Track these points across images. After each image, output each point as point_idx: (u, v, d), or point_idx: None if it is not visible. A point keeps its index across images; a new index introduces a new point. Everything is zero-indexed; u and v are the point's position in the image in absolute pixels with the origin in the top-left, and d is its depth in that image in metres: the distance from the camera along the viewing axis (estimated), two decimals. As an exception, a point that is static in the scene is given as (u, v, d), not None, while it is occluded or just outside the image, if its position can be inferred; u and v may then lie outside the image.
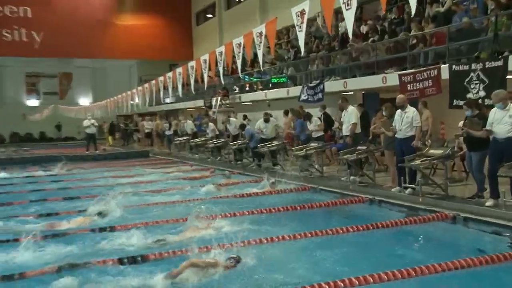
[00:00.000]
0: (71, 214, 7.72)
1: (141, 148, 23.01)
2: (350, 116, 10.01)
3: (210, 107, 20.45)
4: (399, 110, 8.49)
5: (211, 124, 17.32)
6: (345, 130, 10.19)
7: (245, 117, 18.63)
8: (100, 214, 7.19)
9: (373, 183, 9.35)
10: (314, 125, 11.94)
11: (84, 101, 38.11)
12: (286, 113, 15.34)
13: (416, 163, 7.89)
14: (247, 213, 7.31)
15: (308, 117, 12.10)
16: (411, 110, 8.38)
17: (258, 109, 19.42)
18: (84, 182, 12.00)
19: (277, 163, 12.71)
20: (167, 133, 21.25)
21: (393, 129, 8.55)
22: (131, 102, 26.57)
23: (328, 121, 13.23)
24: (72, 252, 5.48)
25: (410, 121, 8.26)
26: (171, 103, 26.68)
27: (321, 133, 12.04)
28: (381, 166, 11.01)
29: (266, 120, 13.26)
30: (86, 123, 20.64)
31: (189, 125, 19.48)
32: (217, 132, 17.48)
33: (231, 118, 15.95)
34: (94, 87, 38.30)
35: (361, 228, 6.22)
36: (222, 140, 16.01)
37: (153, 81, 22.34)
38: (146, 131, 24.34)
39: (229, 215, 7.09)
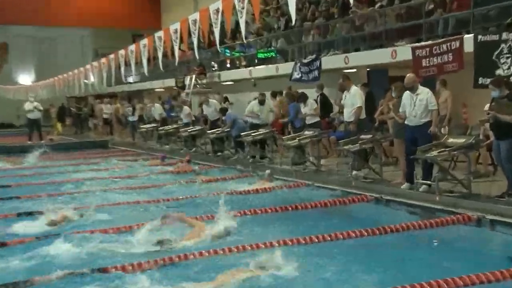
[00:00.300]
0: (8, 217, 7.61)
1: (98, 137, 22.79)
2: (354, 98, 9.98)
3: (182, 87, 20.27)
4: (407, 92, 8.46)
5: (186, 108, 17.14)
6: (347, 115, 10.18)
7: (225, 99, 18.50)
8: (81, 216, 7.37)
9: (379, 178, 9.35)
10: (310, 109, 11.88)
11: (25, 78, 37.41)
12: (273, 95, 15.24)
13: (432, 155, 7.87)
14: (228, 214, 7.14)
15: (304, 98, 12.02)
16: (424, 92, 8.37)
17: (241, 90, 19.34)
18: (28, 178, 11.84)
19: (265, 156, 12.65)
20: (130, 119, 21.05)
21: (401, 115, 8.52)
22: (85, 81, 26.23)
23: (326, 104, 13.19)
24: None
25: (425, 104, 8.25)
26: (134, 82, 26.44)
27: (317, 118, 12.00)
28: (390, 159, 11.03)
29: (262, 102, 13.16)
30: (28, 106, 20.32)
31: (157, 110, 19.33)
32: (193, 118, 17.35)
33: (210, 100, 15.82)
34: (37, 61, 37.55)
35: (365, 233, 6.21)
36: (197, 127, 15.88)
37: (112, 55, 22.03)
38: (104, 116, 24.12)
39: (208, 218, 7.06)
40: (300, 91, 13.14)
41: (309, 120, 11.89)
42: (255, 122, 13.10)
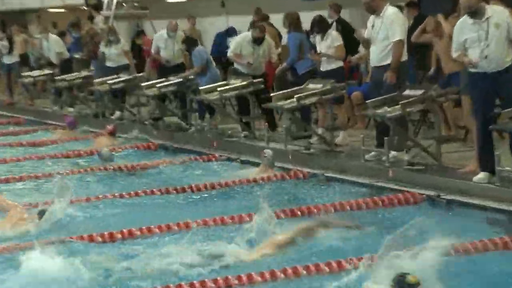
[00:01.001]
0: None
1: None
2: (389, 27, 10.00)
3: (98, 7, 20.30)
4: (466, 19, 8.49)
5: (123, 42, 16.84)
6: (377, 57, 10.22)
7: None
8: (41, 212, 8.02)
9: (436, 165, 9.43)
10: (330, 46, 11.80)
11: None
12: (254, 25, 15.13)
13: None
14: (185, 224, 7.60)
15: (322, 26, 11.93)
16: (498, 12, 8.47)
17: (200, 12, 19.30)
18: None
19: (247, 128, 12.70)
20: (5, 61, 20.92)
21: (472, 60, 8.49)
22: None
23: (346, 37, 13.18)
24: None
25: (506, 33, 8.31)
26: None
27: (340, 63, 11.96)
28: (454, 131, 11.06)
29: (258, 40, 13.16)
30: None
31: (53, 45, 19.23)
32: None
33: (179, 32, 15.79)
34: None
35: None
36: (126, 76, 15.69)
37: None
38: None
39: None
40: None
41: (326, 65, 11.86)
42: (243, 71, 13.16)
